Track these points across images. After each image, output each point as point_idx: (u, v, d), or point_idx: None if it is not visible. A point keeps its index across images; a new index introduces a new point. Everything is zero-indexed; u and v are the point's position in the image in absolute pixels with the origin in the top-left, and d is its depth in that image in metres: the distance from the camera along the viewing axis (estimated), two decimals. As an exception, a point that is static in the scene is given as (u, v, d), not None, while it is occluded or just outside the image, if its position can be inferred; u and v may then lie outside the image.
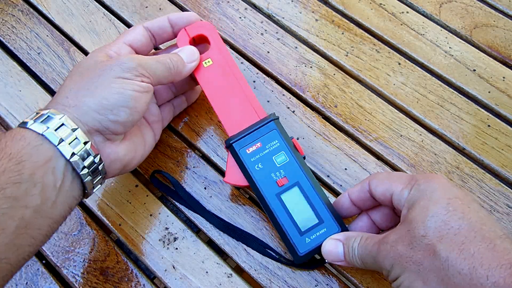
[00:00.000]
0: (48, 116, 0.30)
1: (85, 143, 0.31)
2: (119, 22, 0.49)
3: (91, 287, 0.37)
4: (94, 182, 0.32)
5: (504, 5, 0.49)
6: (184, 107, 0.43)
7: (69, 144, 0.30)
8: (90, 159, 0.31)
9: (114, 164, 0.33)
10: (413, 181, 0.30)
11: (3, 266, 0.27)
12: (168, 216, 0.39)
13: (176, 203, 0.40)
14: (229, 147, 0.37)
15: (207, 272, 0.37)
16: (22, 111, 0.44)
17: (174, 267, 0.37)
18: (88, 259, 0.38)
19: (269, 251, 0.37)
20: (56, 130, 0.30)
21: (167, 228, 0.39)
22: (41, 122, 0.30)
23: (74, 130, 0.30)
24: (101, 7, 0.50)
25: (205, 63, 0.39)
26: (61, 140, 0.29)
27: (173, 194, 0.40)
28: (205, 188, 0.40)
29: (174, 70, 0.36)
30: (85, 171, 0.31)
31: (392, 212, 0.34)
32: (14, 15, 0.49)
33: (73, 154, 0.30)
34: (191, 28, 0.39)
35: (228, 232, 0.38)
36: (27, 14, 0.49)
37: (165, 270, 0.37)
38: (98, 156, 0.32)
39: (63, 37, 0.48)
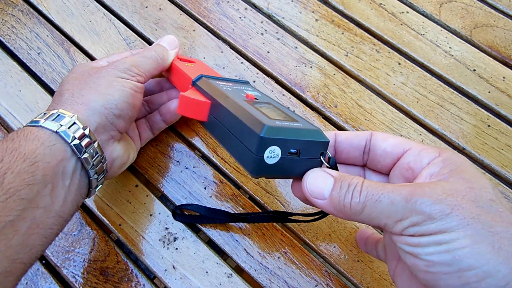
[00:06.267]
0: (59, 115, 0.31)
1: (94, 141, 0.32)
2: (119, 22, 0.49)
3: (91, 287, 0.37)
4: (98, 180, 0.33)
5: (504, 5, 0.49)
6: (162, 127, 0.41)
7: (80, 141, 0.31)
8: (98, 157, 0.32)
9: (115, 162, 0.35)
10: (438, 149, 0.26)
11: (18, 266, 0.27)
12: (168, 216, 0.39)
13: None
14: (197, 79, 0.35)
15: (207, 272, 0.37)
16: (22, 111, 0.44)
17: (174, 267, 0.37)
18: (88, 259, 0.38)
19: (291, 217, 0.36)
20: (69, 128, 0.31)
21: (167, 228, 0.39)
22: (53, 120, 0.31)
23: (84, 128, 0.31)
24: (101, 7, 0.50)
25: (187, 64, 0.41)
26: (74, 138, 0.30)
27: (200, 219, 0.39)
28: (205, 188, 0.40)
29: (161, 59, 0.38)
30: (94, 169, 0.32)
31: (363, 174, 0.31)
32: (14, 15, 0.49)
33: (84, 151, 0.31)
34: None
35: (256, 220, 0.37)
36: (27, 14, 0.49)
37: (165, 270, 0.37)
38: (103, 154, 0.33)
39: (63, 37, 0.48)
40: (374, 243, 0.32)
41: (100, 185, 0.34)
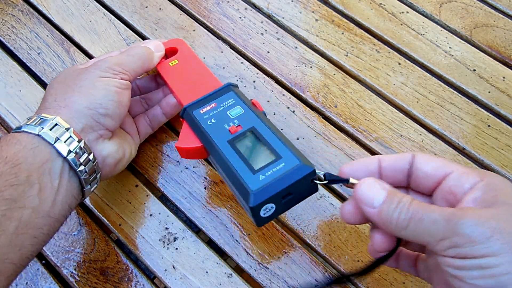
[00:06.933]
0: (41, 118, 0.31)
1: (79, 141, 0.32)
2: (119, 22, 0.49)
3: (91, 287, 0.37)
4: (91, 180, 0.33)
5: (504, 5, 0.49)
6: (162, 120, 0.41)
7: (65, 142, 0.31)
8: (85, 156, 0.32)
9: (107, 160, 0.35)
10: (480, 173, 0.27)
11: (7, 266, 0.27)
12: (168, 216, 0.39)
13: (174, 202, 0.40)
14: (183, 112, 0.37)
15: (207, 272, 0.37)
16: (22, 111, 0.44)
17: (174, 267, 0.37)
18: (88, 259, 0.38)
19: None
20: (50, 130, 0.31)
21: (167, 228, 0.39)
22: (35, 125, 0.31)
23: (67, 129, 0.31)
24: (101, 7, 0.50)
25: (171, 63, 0.41)
26: (57, 139, 0.31)
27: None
28: (205, 188, 0.40)
29: (146, 58, 0.38)
30: (82, 168, 0.32)
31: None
32: (14, 15, 0.49)
33: (69, 151, 0.31)
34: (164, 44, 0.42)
35: None
36: (27, 14, 0.49)
37: (165, 270, 0.37)
38: (92, 154, 0.33)
39: (63, 37, 0.48)
40: (412, 259, 0.31)
41: (96, 185, 0.34)
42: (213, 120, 0.35)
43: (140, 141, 0.40)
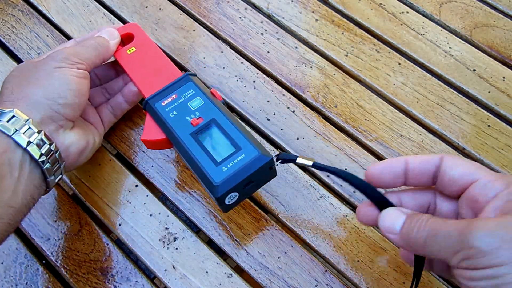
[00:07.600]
0: None
1: (39, 132, 0.32)
2: (119, 22, 0.49)
3: (91, 287, 0.37)
4: (54, 170, 0.33)
5: (504, 5, 0.49)
6: (125, 108, 0.41)
7: (24, 133, 0.31)
8: (46, 146, 0.32)
9: (70, 150, 0.35)
10: (507, 181, 0.26)
11: None
12: (168, 216, 0.39)
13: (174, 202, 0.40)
14: (145, 105, 0.38)
15: (207, 272, 0.37)
16: (22, 111, 0.44)
17: (174, 267, 0.37)
18: (88, 259, 0.38)
19: None
20: (8, 122, 0.31)
21: (167, 228, 0.39)
22: None
23: (26, 121, 0.31)
24: (101, 7, 0.50)
25: (129, 51, 0.41)
26: (16, 131, 0.31)
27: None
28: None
29: (101, 48, 0.38)
30: (43, 158, 0.32)
31: (433, 201, 0.31)
32: (14, 15, 0.49)
33: (29, 142, 0.31)
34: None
35: None
36: (27, 14, 0.49)
37: (165, 270, 0.37)
38: (53, 144, 0.33)
39: (63, 37, 0.48)
40: (445, 264, 0.31)
41: (60, 176, 0.34)
42: (175, 113, 0.36)
43: (104, 131, 0.41)
